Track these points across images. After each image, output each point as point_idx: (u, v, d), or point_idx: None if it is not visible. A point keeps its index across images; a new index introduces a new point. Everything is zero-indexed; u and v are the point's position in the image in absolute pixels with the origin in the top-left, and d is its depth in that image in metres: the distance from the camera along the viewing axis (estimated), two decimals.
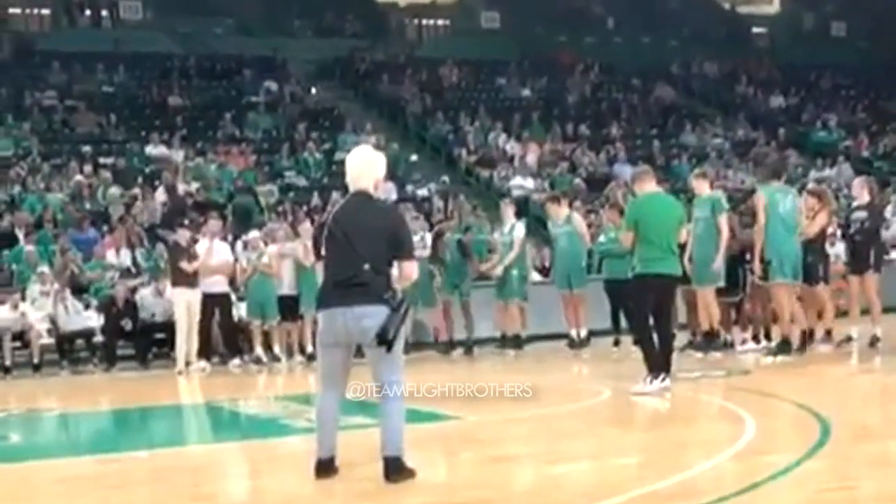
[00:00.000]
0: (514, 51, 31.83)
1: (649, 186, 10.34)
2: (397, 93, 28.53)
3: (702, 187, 12.86)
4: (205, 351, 14.88)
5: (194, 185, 20.89)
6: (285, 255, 15.32)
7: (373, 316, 6.01)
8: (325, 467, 6.23)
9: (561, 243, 14.72)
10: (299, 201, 21.07)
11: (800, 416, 8.15)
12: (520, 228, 15.19)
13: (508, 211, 15.53)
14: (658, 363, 9.74)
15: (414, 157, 24.90)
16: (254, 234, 16.22)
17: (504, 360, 14.50)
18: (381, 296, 6.05)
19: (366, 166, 6.34)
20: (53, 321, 15.77)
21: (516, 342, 15.00)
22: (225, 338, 15.38)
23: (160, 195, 20.48)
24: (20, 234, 18.05)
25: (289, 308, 15.25)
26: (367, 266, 6.06)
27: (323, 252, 6.25)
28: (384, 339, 5.99)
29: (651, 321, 9.92)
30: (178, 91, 26.49)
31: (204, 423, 10.85)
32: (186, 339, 14.61)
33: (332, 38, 31.77)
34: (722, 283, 12.70)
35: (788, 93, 31.67)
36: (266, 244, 15.78)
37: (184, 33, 30.15)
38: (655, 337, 9.87)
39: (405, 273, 6.23)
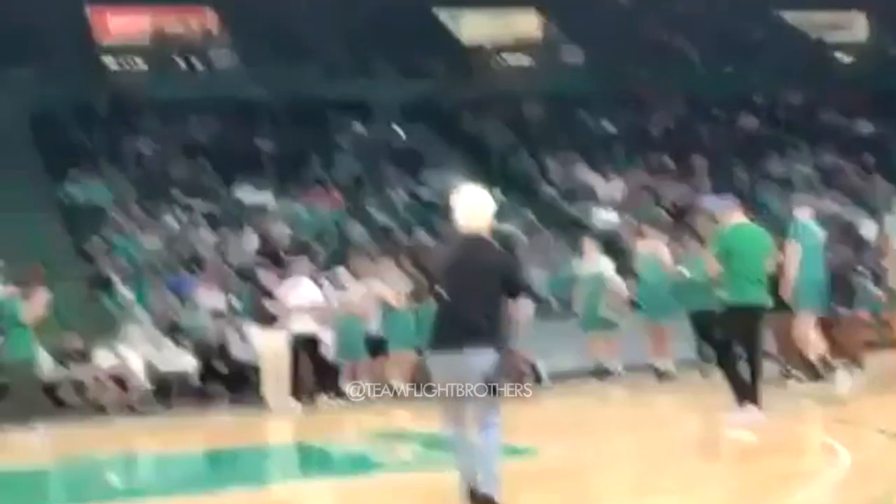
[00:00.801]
0: (597, 85, 31.81)
1: (736, 217, 10.32)
2: (481, 130, 28.70)
3: (803, 215, 12.75)
4: (295, 390, 15.10)
5: (284, 228, 21.28)
6: (373, 294, 15.50)
7: (482, 357, 6.17)
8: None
9: (645, 275, 14.70)
10: (387, 241, 21.29)
11: (893, 447, 8.03)
12: (606, 263, 15.20)
13: (591, 246, 15.55)
14: (747, 393, 9.67)
15: (498, 194, 24.96)
16: (342, 273, 16.43)
17: (590, 392, 14.48)
18: (491, 338, 6.21)
19: (479, 208, 6.51)
20: (150, 364, 16.17)
21: (601, 374, 15.00)
22: (315, 377, 15.58)
23: (251, 238, 20.92)
24: (117, 280, 18.57)
25: (376, 347, 15.41)
26: (479, 310, 6.21)
27: (437, 291, 6.42)
28: (489, 385, 6.16)
29: (740, 352, 9.88)
30: (267, 135, 27.01)
31: (294, 462, 11.03)
32: (275, 379, 14.83)
33: (416, 78, 32.11)
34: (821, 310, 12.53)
35: (875, 120, 31.14)
36: (354, 284, 16.00)
37: (271, 78, 30.74)
38: (744, 367, 9.82)
39: (522, 313, 6.37)
